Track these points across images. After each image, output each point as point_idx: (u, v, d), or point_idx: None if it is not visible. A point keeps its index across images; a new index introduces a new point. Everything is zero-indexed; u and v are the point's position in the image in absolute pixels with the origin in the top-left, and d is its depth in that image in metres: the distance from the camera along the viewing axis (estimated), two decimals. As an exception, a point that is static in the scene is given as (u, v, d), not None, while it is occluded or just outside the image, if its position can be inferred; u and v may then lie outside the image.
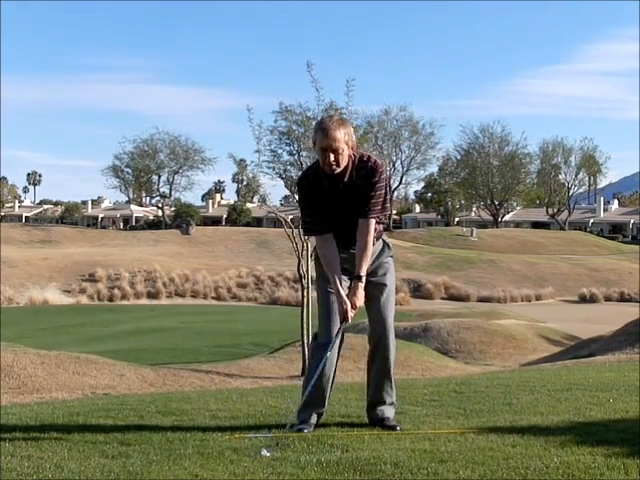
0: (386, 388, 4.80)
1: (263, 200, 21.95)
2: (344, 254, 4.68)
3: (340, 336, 4.68)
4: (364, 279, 4.60)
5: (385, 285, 4.74)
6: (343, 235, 4.64)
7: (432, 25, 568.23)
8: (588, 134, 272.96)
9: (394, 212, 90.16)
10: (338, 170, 4.52)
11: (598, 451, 3.95)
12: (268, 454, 3.94)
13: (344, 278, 4.65)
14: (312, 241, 18.56)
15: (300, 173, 4.89)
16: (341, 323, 4.60)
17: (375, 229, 4.66)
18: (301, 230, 4.81)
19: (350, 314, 4.55)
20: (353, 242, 4.64)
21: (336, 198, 4.58)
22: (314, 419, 4.73)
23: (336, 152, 4.45)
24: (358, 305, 4.58)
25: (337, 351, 4.74)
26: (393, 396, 4.84)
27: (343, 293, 4.56)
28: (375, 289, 4.69)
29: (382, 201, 4.62)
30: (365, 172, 4.57)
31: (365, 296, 4.65)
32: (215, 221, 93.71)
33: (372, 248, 4.65)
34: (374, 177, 4.57)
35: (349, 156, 4.55)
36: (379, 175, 4.58)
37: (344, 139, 4.45)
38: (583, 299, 49.24)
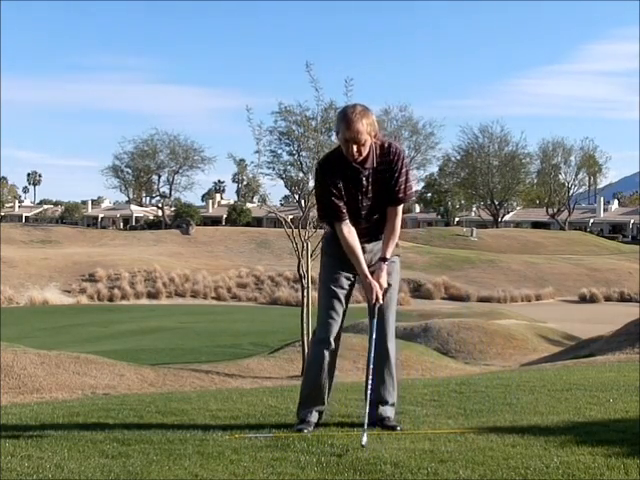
0: (388, 388, 4.79)
1: (263, 200, 21.94)
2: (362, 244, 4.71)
3: (376, 320, 4.67)
4: (389, 262, 4.66)
5: (389, 285, 4.74)
6: (359, 226, 4.66)
7: (432, 25, 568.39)
8: (588, 134, 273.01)
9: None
10: (360, 159, 4.56)
11: (598, 451, 3.94)
12: None
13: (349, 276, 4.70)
14: (312, 240, 18.53)
15: (319, 159, 4.88)
16: (374, 306, 4.63)
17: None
18: (317, 218, 4.80)
19: (380, 295, 4.60)
20: (368, 234, 4.68)
21: (358, 186, 4.61)
22: (315, 417, 4.72)
23: (359, 143, 4.49)
24: (385, 286, 4.63)
25: (337, 344, 4.74)
26: (394, 396, 4.83)
27: (370, 276, 4.60)
28: None
29: (406, 187, 4.67)
30: (387, 159, 4.62)
31: (369, 293, 4.68)
32: (215, 221, 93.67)
33: (399, 233, 4.71)
34: (397, 163, 4.63)
35: (371, 144, 4.58)
36: (402, 160, 4.64)
37: (366, 130, 4.48)
38: (583, 299, 49.25)
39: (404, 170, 4.65)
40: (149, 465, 3.81)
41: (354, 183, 4.60)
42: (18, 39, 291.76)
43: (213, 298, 49.66)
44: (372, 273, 4.64)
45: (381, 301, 4.62)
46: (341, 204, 4.59)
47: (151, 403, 5.94)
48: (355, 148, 4.49)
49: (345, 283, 4.69)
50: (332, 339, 4.67)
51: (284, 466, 3.75)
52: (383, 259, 4.65)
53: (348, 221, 4.62)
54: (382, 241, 4.69)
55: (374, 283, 4.59)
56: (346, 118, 4.48)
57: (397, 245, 4.83)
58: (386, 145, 4.65)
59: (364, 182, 4.60)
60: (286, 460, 3.85)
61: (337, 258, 4.70)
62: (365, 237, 4.70)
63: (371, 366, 4.57)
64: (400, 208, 4.71)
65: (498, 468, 3.65)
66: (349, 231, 4.61)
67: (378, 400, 4.78)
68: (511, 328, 28.34)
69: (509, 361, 22.87)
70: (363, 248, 4.69)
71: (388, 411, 4.77)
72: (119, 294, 48.51)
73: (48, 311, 42.01)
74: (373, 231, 4.71)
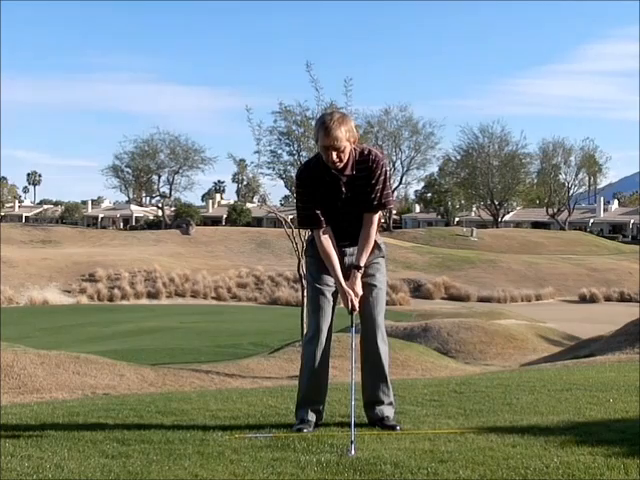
0: (382, 388, 4.78)
1: (263, 200, 21.99)
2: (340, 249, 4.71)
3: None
4: (362, 269, 4.65)
5: (375, 285, 4.73)
6: (339, 230, 4.67)
7: (432, 25, 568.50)
8: (588, 134, 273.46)
9: (394, 212, 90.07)
10: (341, 165, 4.56)
11: (598, 451, 3.94)
12: None
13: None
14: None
15: (299, 167, 4.89)
16: (350, 314, 4.64)
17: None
18: (297, 224, 4.84)
19: (356, 303, 4.60)
20: (349, 237, 4.68)
21: (337, 192, 4.61)
22: (313, 417, 4.72)
23: (338, 150, 4.49)
24: (360, 293, 4.62)
25: (329, 346, 4.76)
26: (390, 396, 4.82)
27: (345, 284, 4.59)
28: (365, 289, 4.68)
29: (382, 195, 4.65)
30: (366, 165, 4.60)
31: (344, 300, 4.69)
32: (215, 221, 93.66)
33: (373, 240, 4.68)
34: (376, 170, 4.60)
35: (350, 150, 4.57)
36: (380, 168, 4.61)
37: (345, 137, 4.48)
38: (583, 299, 49.29)
39: (382, 178, 4.62)
40: (149, 465, 3.81)
41: (333, 189, 4.60)
42: (18, 39, 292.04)
43: (213, 298, 49.68)
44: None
45: (357, 308, 4.63)
46: (319, 212, 4.60)
47: (151, 403, 5.94)
48: (335, 155, 4.49)
49: (331, 281, 4.69)
50: (323, 338, 4.68)
51: (284, 466, 3.74)
52: (357, 267, 4.64)
53: (326, 228, 4.63)
54: (357, 248, 4.68)
55: (349, 291, 4.59)
56: (324, 126, 4.47)
57: (380, 247, 4.80)
58: (365, 152, 4.64)
59: (343, 188, 4.60)
60: (286, 460, 3.85)
61: (321, 259, 4.70)
62: (346, 241, 4.70)
63: (353, 377, 4.61)
64: (376, 216, 4.67)
65: (498, 468, 3.65)
66: (326, 238, 4.63)
67: (373, 400, 4.78)
68: (511, 328, 28.35)
69: (509, 361, 22.87)
70: (344, 252, 4.70)
71: (386, 410, 4.77)
72: (119, 294, 48.52)
73: (48, 311, 42.02)
74: (354, 235, 4.69)
